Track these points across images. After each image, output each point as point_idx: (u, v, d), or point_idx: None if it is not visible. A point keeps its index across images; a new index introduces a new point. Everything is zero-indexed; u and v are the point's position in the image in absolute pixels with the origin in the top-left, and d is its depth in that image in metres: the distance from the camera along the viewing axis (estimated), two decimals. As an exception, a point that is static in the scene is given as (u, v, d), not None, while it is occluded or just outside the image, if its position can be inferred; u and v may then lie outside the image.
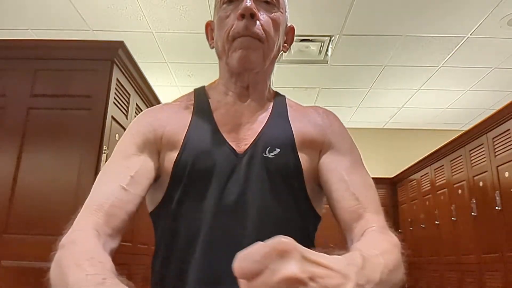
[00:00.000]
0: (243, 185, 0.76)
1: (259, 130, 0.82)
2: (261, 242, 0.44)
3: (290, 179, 0.79)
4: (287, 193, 0.79)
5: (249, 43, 0.79)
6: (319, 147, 0.83)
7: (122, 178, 0.73)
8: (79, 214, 0.70)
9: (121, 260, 2.12)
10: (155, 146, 0.79)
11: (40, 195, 1.97)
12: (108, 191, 0.71)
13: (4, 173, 2.01)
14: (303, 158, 0.80)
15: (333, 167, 0.80)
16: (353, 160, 0.82)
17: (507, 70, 4.12)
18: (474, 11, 3.19)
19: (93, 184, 0.74)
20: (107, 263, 0.57)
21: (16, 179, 2.00)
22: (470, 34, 3.51)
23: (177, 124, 0.81)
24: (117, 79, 2.26)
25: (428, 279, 4.31)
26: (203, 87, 0.93)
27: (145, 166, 0.77)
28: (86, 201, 0.72)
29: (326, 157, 0.82)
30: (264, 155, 0.78)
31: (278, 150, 0.79)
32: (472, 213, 3.38)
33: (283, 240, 0.44)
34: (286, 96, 0.95)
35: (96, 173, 1.96)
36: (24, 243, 1.91)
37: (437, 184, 4.19)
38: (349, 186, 0.76)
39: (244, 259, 0.43)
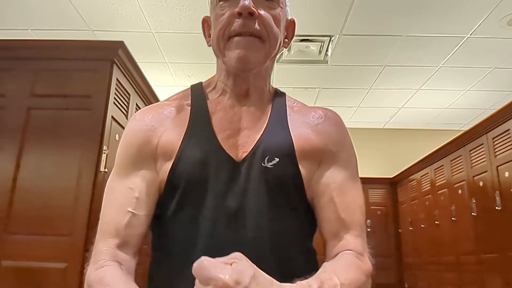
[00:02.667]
0: (241, 195, 0.74)
1: (258, 138, 0.79)
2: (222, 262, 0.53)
3: (289, 189, 0.77)
4: (286, 203, 0.77)
5: (249, 42, 0.76)
6: (319, 157, 0.80)
7: (128, 201, 0.74)
8: (96, 242, 0.73)
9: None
10: (151, 158, 0.77)
11: (40, 195, 1.97)
12: (118, 218, 0.73)
13: (4, 173, 2.01)
14: (303, 167, 0.77)
15: (326, 184, 0.79)
16: (348, 176, 0.80)
17: (507, 70, 4.12)
18: (474, 11, 3.19)
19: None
20: None
21: (16, 179, 2.00)
22: (470, 34, 3.51)
23: (172, 132, 0.78)
24: (117, 79, 2.26)
25: (428, 279, 4.31)
26: (200, 85, 0.89)
27: (147, 182, 0.76)
28: (100, 226, 0.75)
29: (323, 169, 0.80)
30: (262, 164, 0.76)
31: (277, 159, 0.76)
32: (472, 213, 3.37)
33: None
34: (287, 94, 0.91)
35: (96, 173, 1.96)
36: (24, 243, 1.91)
37: (437, 184, 4.19)
38: (337, 208, 0.77)
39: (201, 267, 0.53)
